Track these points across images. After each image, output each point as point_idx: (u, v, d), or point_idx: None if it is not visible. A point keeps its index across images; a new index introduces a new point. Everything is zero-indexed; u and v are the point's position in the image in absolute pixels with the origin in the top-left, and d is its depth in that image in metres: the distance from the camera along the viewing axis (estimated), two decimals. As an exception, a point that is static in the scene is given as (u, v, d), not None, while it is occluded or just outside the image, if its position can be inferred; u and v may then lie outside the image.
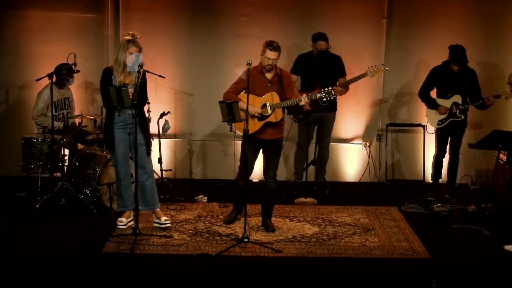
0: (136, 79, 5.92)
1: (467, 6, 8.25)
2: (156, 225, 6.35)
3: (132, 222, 6.30)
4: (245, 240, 5.90)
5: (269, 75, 6.16)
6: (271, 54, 6.04)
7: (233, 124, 5.90)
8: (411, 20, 8.27)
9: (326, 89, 6.04)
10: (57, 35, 8.12)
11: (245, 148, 6.08)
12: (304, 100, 6.02)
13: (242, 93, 6.14)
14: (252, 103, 6.04)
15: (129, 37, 6.04)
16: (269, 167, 6.26)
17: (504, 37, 8.25)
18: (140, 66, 5.90)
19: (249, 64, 5.94)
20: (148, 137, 6.28)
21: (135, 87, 5.87)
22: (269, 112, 6.11)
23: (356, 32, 8.23)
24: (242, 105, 5.96)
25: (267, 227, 6.37)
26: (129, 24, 8.11)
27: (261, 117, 6.12)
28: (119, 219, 6.35)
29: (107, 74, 6.12)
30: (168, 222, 6.35)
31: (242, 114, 5.87)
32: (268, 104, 6.09)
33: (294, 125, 7.72)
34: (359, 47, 8.23)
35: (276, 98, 6.09)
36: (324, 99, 6.10)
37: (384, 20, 8.25)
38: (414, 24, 8.27)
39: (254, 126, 6.11)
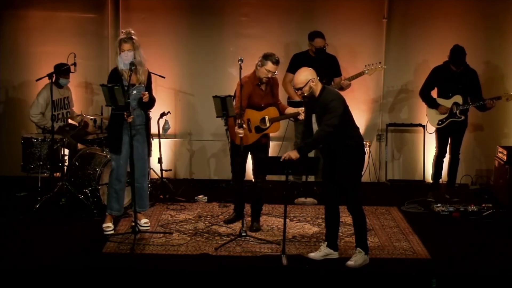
0: (129, 78, 5.85)
1: (467, 6, 8.25)
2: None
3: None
4: (243, 234, 5.94)
5: (263, 86, 6.22)
6: (273, 68, 6.06)
7: (228, 121, 6.01)
8: (411, 20, 8.27)
9: None
10: (57, 35, 8.11)
11: (235, 156, 6.23)
12: (302, 115, 6.06)
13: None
14: (251, 117, 6.16)
15: (122, 36, 5.94)
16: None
17: (504, 37, 8.25)
18: (132, 64, 5.84)
19: (240, 60, 5.95)
20: (150, 139, 6.29)
21: (127, 87, 5.81)
22: (267, 125, 6.20)
23: (356, 32, 8.22)
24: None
25: (251, 227, 6.36)
26: (129, 24, 8.08)
27: (259, 129, 6.21)
28: (106, 224, 6.18)
29: (115, 74, 5.97)
30: (148, 225, 6.30)
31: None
32: (266, 118, 6.18)
33: (290, 124, 7.71)
34: (359, 47, 8.22)
35: (274, 112, 6.18)
36: None
37: (384, 20, 8.24)
38: (414, 24, 8.26)
39: (252, 137, 6.20)
